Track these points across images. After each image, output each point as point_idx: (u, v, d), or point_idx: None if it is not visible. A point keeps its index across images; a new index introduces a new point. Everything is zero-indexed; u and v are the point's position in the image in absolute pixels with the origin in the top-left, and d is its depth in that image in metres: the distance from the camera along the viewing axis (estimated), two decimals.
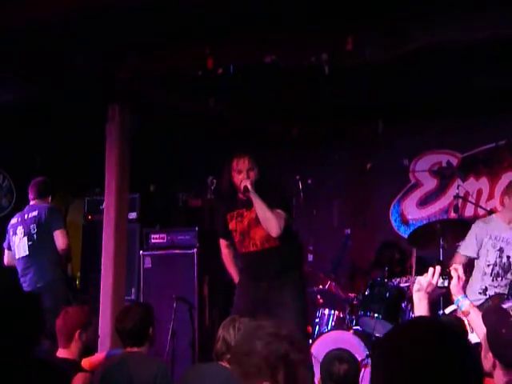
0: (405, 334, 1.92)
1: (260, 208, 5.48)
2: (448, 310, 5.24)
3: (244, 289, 5.78)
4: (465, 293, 3.74)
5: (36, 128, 8.10)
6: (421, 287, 3.48)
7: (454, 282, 3.62)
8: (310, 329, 7.19)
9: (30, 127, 8.03)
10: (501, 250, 5.95)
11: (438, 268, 3.50)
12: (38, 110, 7.44)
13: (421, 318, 3.23)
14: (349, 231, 7.79)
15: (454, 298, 3.69)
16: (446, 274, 3.58)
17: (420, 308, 3.45)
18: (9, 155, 8.82)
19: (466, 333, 4.32)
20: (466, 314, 3.66)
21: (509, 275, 5.94)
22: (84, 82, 6.59)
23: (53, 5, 5.33)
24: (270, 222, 5.47)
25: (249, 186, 5.49)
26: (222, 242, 6.02)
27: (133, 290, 7.82)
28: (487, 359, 3.08)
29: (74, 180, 9.13)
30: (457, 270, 3.65)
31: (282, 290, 5.56)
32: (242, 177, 5.55)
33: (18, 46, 5.95)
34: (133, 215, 7.92)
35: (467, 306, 3.66)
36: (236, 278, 5.97)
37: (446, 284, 3.59)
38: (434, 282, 3.48)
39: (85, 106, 7.19)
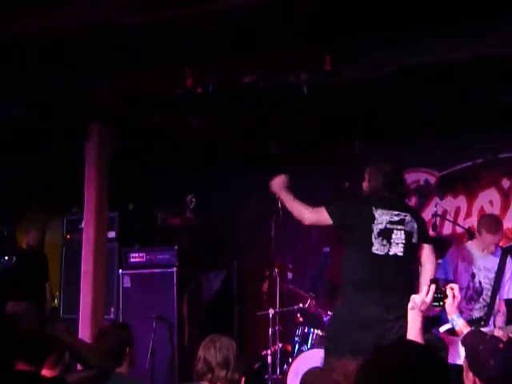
0: (392, 356, 1.96)
1: None
2: (443, 329, 5.27)
3: None
4: (460, 312, 3.77)
5: (12, 147, 8.08)
6: (415, 305, 3.51)
7: (449, 301, 3.65)
8: (289, 347, 7.20)
9: (6, 147, 8.01)
10: (473, 276, 6.06)
11: (433, 287, 3.53)
12: (16, 129, 7.43)
13: (407, 340, 3.25)
14: (328, 249, 7.81)
15: (449, 317, 3.72)
16: (440, 293, 3.60)
17: (414, 326, 3.47)
18: None
19: (446, 352, 4.35)
20: (460, 333, 3.69)
21: (481, 299, 6.04)
22: (63, 101, 6.59)
23: (37, 24, 5.35)
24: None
25: None
26: None
27: (112, 310, 7.78)
28: (468, 379, 3.11)
29: (51, 199, 9.11)
30: (452, 288, 3.68)
31: None
32: None
33: None
34: (112, 234, 7.90)
35: (461, 325, 3.69)
36: None
37: (440, 303, 3.61)
38: (427, 300, 3.50)
39: (63, 126, 7.19)
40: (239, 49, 5.66)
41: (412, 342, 2.63)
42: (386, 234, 5.22)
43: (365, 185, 5.54)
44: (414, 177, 8.34)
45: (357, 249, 5.28)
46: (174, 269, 7.66)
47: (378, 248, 5.20)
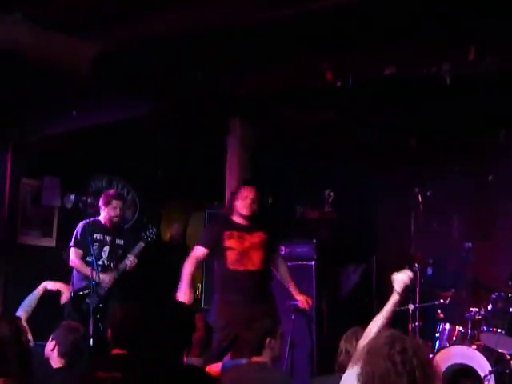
0: None
1: None
2: None
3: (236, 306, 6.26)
4: None
5: (158, 141, 8.36)
6: None
7: None
8: (429, 344, 7.07)
9: (153, 141, 8.29)
10: None
11: None
12: (163, 125, 7.68)
13: None
14: (470, 245, 7.62)
15: None
16: None
17: None
18: (132, 169, 9.14)
19: None
20: None
21: None
22: (205, 96, 6.76)
23: (175, 23, 5.52)
24: None
25: None
26: (202, 251, 6.45)
27: None
28: None
29: (194, 193, 9.36)
30: None
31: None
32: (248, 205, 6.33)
33: (142, 62, 6.19)
34: None
35: None
36: (187, 280, 6.36)
37: None
38: None
39: (206, 120, 7.37)
40: (380, 40, 5.62)
41: None
42: None
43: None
44: None
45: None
46: (313, 262, 7.69)
47: None
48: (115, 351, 4.10)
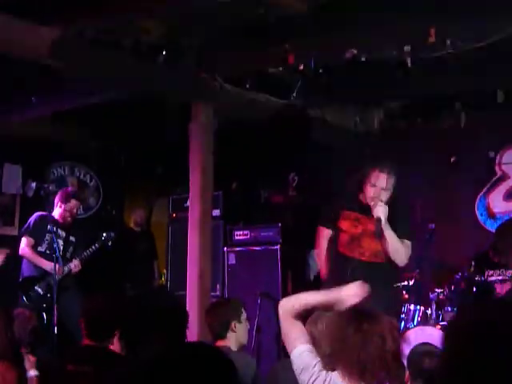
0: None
1: (391, 239, 5.53)
2: None
3: None
4: None
5: (121, 128, 8.28)
6: None
7: None
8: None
9: (115, 127, 8.21)
10: None
11: None
12: (124, 110, 7.60)
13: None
14: (433, 226, 7.67)
15: None
16: None
17: None
18: (95, 155, 9.06)
19: None
20: None
21: None
22: (166, 82, 6.70)
23: (135, 5, 5.46)
24: (400, 253, 5.60)
25: (382, 219, 5.47)
26: (327, 233, 5.88)
27: (218, 286, 7.90)
28: None
29: (157, 179, 9.31)
30: None
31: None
32: (377, 195, 5.55)
33: (103, 47, 6.11)
34: (216, 212, 8.00)
35: None
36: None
37: None
38: None
39: (168, 106, 7.31)
40: (341, 23, 5.61)
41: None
42: None
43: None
44: None
45: None
46: (278, 246, 7.71)
47: None
48: (86, 342, 4.05)
